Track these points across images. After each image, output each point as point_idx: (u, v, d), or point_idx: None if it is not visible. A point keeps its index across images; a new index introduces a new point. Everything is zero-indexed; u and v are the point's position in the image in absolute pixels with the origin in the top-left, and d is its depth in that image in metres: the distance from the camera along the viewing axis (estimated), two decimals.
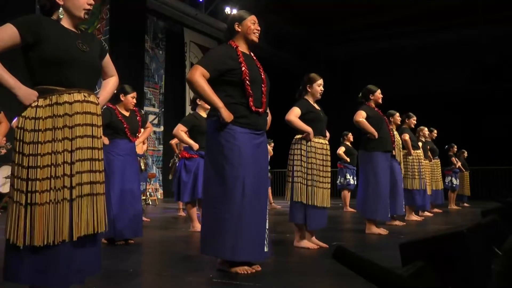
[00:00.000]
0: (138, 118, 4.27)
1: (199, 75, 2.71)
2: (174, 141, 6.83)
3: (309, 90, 3.94)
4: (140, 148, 6.16)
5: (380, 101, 4.97)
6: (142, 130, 4.53)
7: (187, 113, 12.01)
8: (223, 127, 2.74)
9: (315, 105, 3.94)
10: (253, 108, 2.79)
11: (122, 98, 4.12)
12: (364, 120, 4.74)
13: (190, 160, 4.89)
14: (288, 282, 2.63)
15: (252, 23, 2.91)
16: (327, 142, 3.91)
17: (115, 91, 3.36)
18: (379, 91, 4.95)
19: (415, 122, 6.74)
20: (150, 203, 9.63)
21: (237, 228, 2.67)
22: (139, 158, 6.01)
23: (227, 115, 2.70)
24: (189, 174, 4.86)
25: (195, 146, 4.71)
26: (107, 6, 10.28)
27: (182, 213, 7.04)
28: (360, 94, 5.01)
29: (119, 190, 3.92)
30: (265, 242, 2.81)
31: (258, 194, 2.78)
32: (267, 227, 2.85)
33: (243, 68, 2.77)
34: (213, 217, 2.73)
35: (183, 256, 3.50)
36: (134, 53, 10.88)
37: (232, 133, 2.74)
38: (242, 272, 2.73)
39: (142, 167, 6.09)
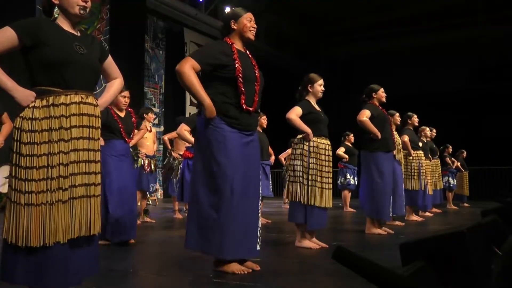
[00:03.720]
0: (133, 119, 4.27)
1: (189, 67, 2.67)
2: (167, 136, 6.76)
3: (310, 90, 3.94)
4: (151, 149, 6.16)
5: (383, 99, 4.94)
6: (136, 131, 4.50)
7: (187, 113, 12.05)
8: (212, 125, 2.72)
9: (316, 106, 3.94)
10: (244, 107, 2.77)
11: None
12: (368, 120, 4.71)
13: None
14: (288, 282, 2.63)
15: (248, 21, 2.89)
16: (329, 143, 3.91)
17: None
18: (382, 89, 4.94)
19: (417, 120, 6.74)
20: (150, 203, 9.63)
21: (224, 227, 2.66)
22: (149, 159, 6.03)
23: (210, 111, 2.67)
24: None
25: None
26: (107, 6, 10.28)
27: (178, 215, 6.99)
28: (364, 94, 5.01)
29: (115, 191, 3.90)
30: (258, 240, 2.80)
31: (246, 193, 2.77)
32: (259, 225, 2.85)
33: (237, 65, 2.75)
34: (200, 214, 2.73)
35: (183, 256, 3.50)
36: (134, 53, 10.87)
37: (221, 132, 2.73)
38: (239, 272, 2.72)
39: (153, 168, 6.09)
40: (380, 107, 4.95)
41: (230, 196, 2.68)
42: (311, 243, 3.80)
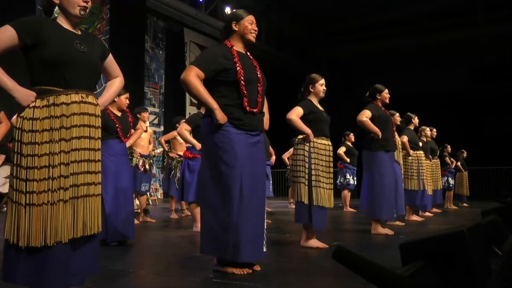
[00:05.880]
0: (129, 119, 4.27)
1: (193, 76, 2.68)
2: (163, 138, 6.81)
3: (312, 90, 3.93)
4: (146, 149, 6.17)
5: (387, 101, 4.93)
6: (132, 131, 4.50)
7: (187, 113, 12.05)
8: (218, 128, 2.73)
9: (318, 106, 3.93)
10: (248, 109, 2.77)
11: (115, 99, 4.09)
12: (367, 120, 4.70)
13: (193, 160, 4.89)
14: (288, 282, 2.63)
15: (249, 23, 2.88)
16: (330, 143, 3.90)
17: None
18: (386, 90, 4.93)
19: (418, 121, 6.75)
20: (150, 203, 9.63)
21: (237, 228, 2.66)
22: (144, 159, 6.03)
23: (221, 117, 2.69)
24: (192, 174, 4.85)
25: (198, 145, 4.69)
26: (107, 6, 10.29)
27: (174, 215, 6.98)
28: (367, 93, 4.99)
29: (112, 191, 3.88)
30: (264, 242, 2.81)
31: (255, 193, 2.77)
32: (265, 227, 2.85)
33: (238, 68, 2.75)
34: (213, 218, 2.72)
35: (183, 256, 3.50)
36: (134, 53, 10.88)
37: (227, 134, 2.73)
38: (239, 273, 2.72)
39: (147, 168, 6.10)
40: (382, 108, 4.95)
41: (240, 197, 2.68)
42: (318, 243, 3.79)
